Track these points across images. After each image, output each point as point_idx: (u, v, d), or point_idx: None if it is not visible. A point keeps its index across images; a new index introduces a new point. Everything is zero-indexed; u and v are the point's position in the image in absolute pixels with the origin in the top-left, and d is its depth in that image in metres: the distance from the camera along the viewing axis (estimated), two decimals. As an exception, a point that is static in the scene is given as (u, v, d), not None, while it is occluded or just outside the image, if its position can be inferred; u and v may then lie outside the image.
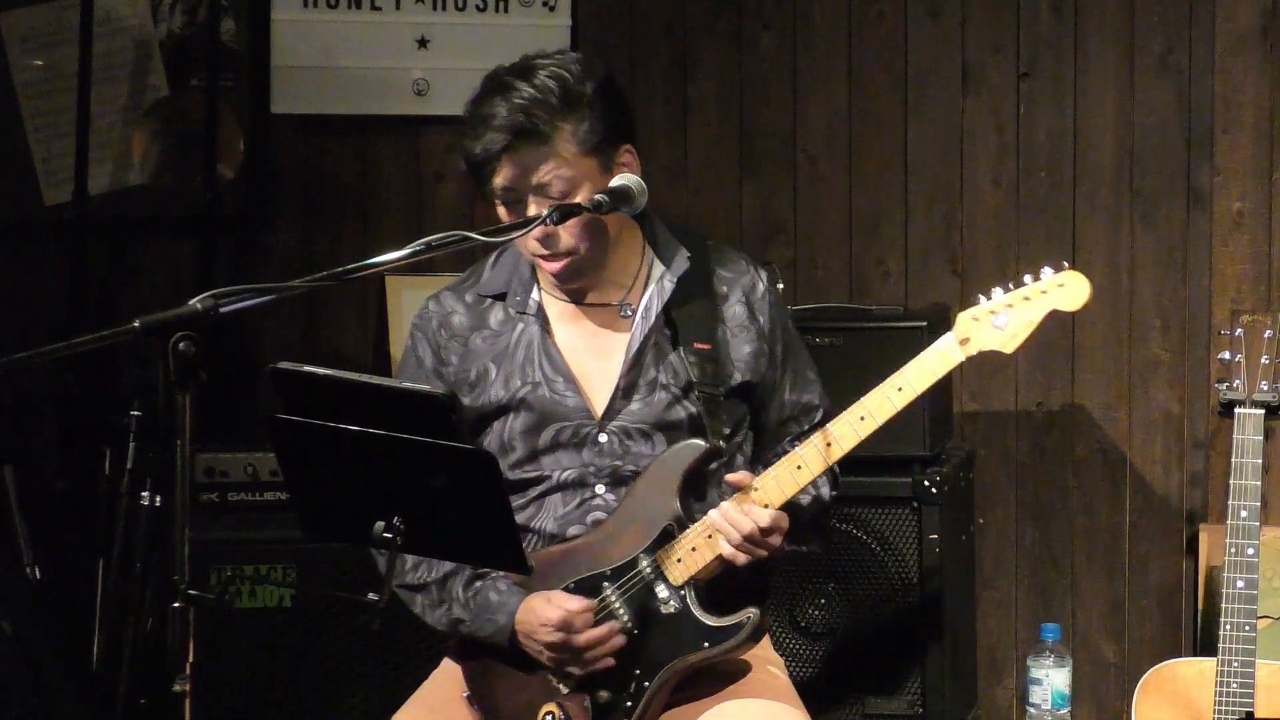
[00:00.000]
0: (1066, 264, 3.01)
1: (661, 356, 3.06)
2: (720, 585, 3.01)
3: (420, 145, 4.76)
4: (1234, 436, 3.49)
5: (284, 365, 2.55)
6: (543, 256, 3.00)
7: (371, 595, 2.54)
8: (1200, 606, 4.42)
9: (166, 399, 2.40)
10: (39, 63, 4.61)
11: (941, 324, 4.32)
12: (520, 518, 3.03)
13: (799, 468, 2.97)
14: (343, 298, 4.74)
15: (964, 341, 2.99)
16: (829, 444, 2.97)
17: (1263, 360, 3.49)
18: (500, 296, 3.10)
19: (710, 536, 2.96)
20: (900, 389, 2.97)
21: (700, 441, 3.01)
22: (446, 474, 2.51)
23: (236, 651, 3.94)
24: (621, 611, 2.98)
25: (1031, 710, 4.35)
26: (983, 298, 3.01)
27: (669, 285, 3.07)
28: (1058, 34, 4.55)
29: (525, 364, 3.05)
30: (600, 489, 3.03)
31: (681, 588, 2.98)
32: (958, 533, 4.21)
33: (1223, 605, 3.45)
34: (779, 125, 4.67)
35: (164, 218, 4.69)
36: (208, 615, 2.42)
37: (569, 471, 3.03)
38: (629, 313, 3.08)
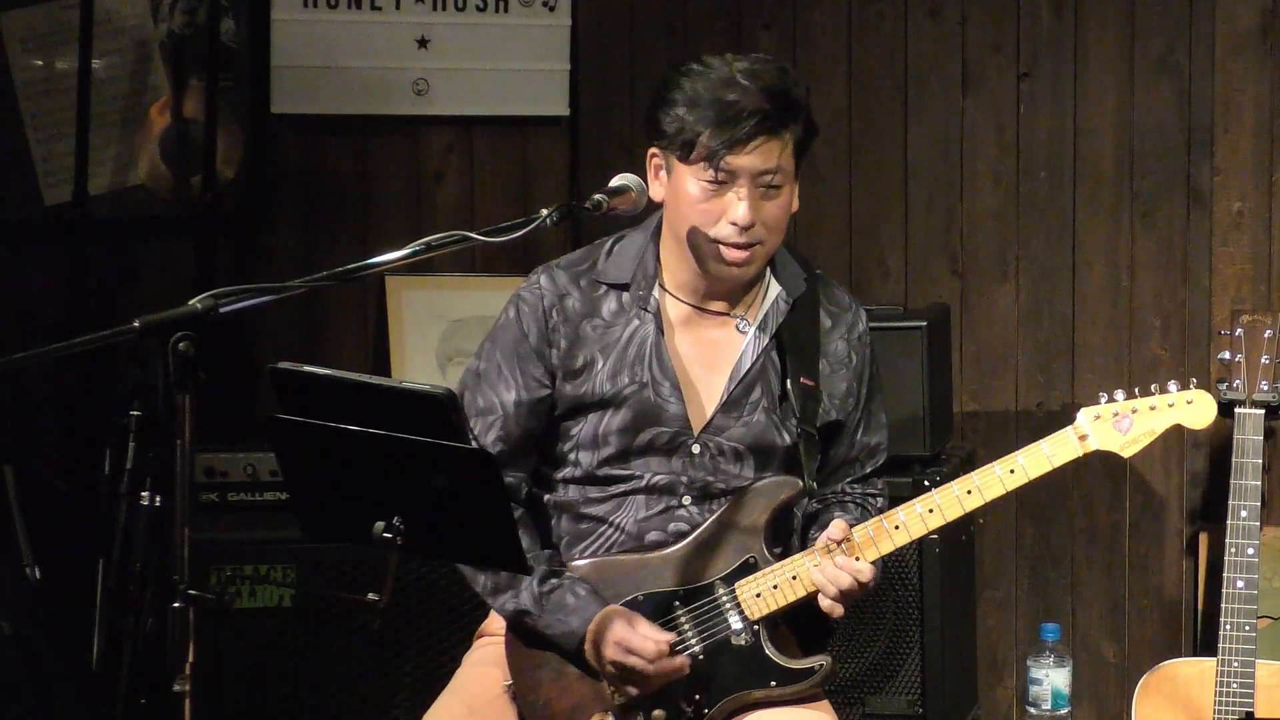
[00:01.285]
0: (1195, 381, 3.04)
1: (767, 382, 3.05)
2: (786, 623, 3.03)
3: (420, 145, 4.76)
4: (1234, 436, 3.49)
5: (284, 365, 2.55)
6: (734, 244, 2.97)
7: (371, 595, 2.54)
8: (1200, 606, 4.42)
9: (166, 399, 2.41)
10: (39, 63, 4.61)
11: (942, 324, 4.35)
12: (599, 510, 3.04)
13: (896, 528, 2.99)
14: (343, 298, 4.73)
15: (1082, 438, 3.02)
16: (930, 510, 3.00)
17: (1263, 360, 3.49)
18: (620, 287, 3.07)
19: (794, 578, 2.97)
20: (1012, 471, 3.01)
21: (796, 480, 3.02)
22: (446, 474, 2.51)
23: (236, 651, 3.94)
24: (690, 634, 2.98)
25: (1031, 710, 4.35)
26: (1104, 396, 3.04)
27: (784, 306, 3.06)
28: (1058, 34, 4.55)
29: (635, 362, 3.03)
30: (686, 500, 3.02)
31: (756, 623, 2.98)
32: (958, 533, 4.21)
33: (1223, 605, 3.45)
34: (779, 125, 4.66)
35: (164, 218, 4.69)
36: (208, 615, 2.42)
37: (659, 476, 3.02)
38: (745, 327, 3.07)
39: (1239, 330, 3.53)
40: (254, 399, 4.61)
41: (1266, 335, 3.50)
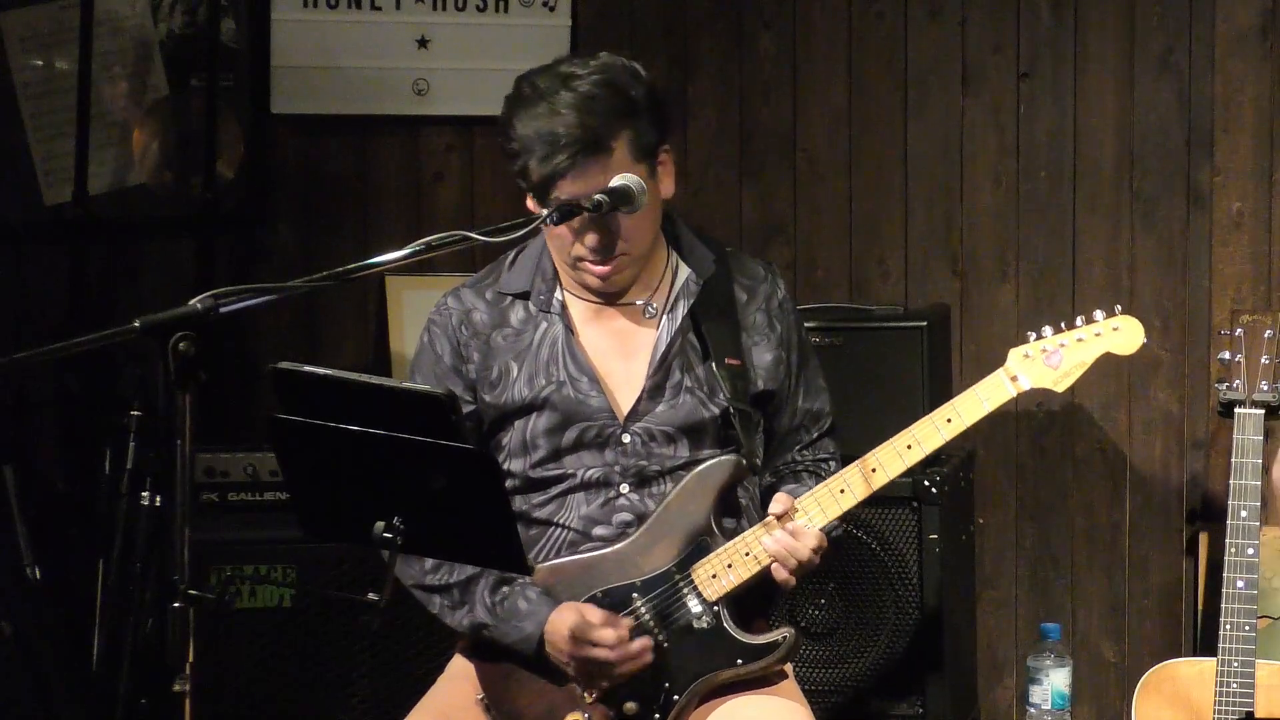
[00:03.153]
0: (1119, 308, 3.02)
1: (688, 363, 3.05)
2: (748, 599, 3.03)
3: (420, 145, 4.76)
4: (1234, 436, 3.48)
5: (284, 365, 2.55)
6: (592, 261, 2.98)
7: (371, 595, 2.54)
8: (1200, 606, 4.42)
9: (166, 399, 2.41)
10: (39, 63, 4.61)
11: (942, 324, 4.35)
12: (543, 513, 3.05)
13: (842, 491, 2.99)
14: (343, 298, 4.73)
15: (1014, 378, 3.01)
16: (874, 470, 2.99)
17: (1263, 360, 3.49)
18: (522, 295, 3.09)
19: (748, 554, 2.98)
20: (950, 420, 3.01)
21: (736, 458, 3.02)
22: (446, 474, 2.51)
23: (236, 651, 3.94)
24: (651, 623, 2.98)
25: (1031, 710, 4.35)
26: (1033, 335, 3.04)
27: (694, 287, 3.07)
28: (1058, 34, 4.55)
29: (549, 363, 3.04)
30: (625, 488, 3.03)
31: (715, 604, 2.99)
32: (958, 533, 4.21)
33: (1223, 605, 3.45)
34: (779, 125, 4.67)
35: (164, 217, 4.69)
36: (208, 615, 2.42)
37: (593, 470, 3.03)
38: (652, 313, 3.07)
39: (1239, 330, 3.52)
40: (254, 399, 4.61)
41: (1266, 335, 3.50)
